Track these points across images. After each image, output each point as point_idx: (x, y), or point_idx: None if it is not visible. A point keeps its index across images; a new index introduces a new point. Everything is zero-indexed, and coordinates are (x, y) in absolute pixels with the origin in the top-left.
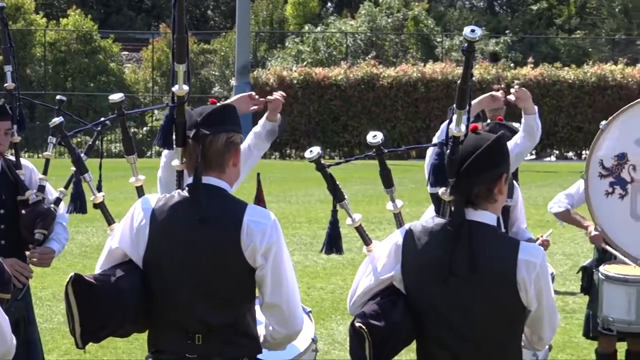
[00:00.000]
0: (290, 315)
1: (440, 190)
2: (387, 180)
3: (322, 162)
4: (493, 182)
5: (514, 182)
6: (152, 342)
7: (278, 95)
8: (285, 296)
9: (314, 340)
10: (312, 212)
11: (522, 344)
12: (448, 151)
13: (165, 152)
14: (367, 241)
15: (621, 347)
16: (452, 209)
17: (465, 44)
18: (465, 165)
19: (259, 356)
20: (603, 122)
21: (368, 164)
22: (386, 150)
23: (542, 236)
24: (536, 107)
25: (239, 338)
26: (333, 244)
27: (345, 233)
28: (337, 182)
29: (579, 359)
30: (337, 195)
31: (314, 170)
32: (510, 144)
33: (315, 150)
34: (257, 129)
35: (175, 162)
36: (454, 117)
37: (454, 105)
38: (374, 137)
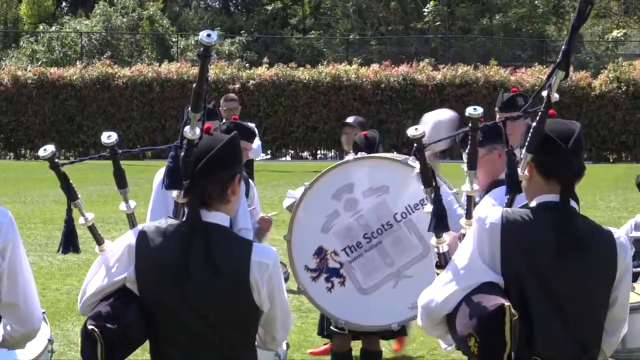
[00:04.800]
0: (27, 313)
1: (174, 193)
2: (120, 181)
3: (56, 160)
4: (226, 183)
5: (250, 181)
6: None
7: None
8: (23, 295)
9: (50, 341)
10: (47, 213)
11: (256, 343)
12: (182, 154)
13: None
14: (99, 240)
15: (356, 346)
16: (186, 210)
17: (202, 48)
18: (198, 166)
19: None
20: (285, 234)
21: (103, 165)
22: (120, 151)
23: (267, 215)
24: None
25: None
26: (69, 242)
27: (81, 234)
28: (71, 181)
29: (315, 358)
30: (70, 194)
31: (49, 171)
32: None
33: (49, 148)
34: None
35: None
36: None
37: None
38: (109, 137)
